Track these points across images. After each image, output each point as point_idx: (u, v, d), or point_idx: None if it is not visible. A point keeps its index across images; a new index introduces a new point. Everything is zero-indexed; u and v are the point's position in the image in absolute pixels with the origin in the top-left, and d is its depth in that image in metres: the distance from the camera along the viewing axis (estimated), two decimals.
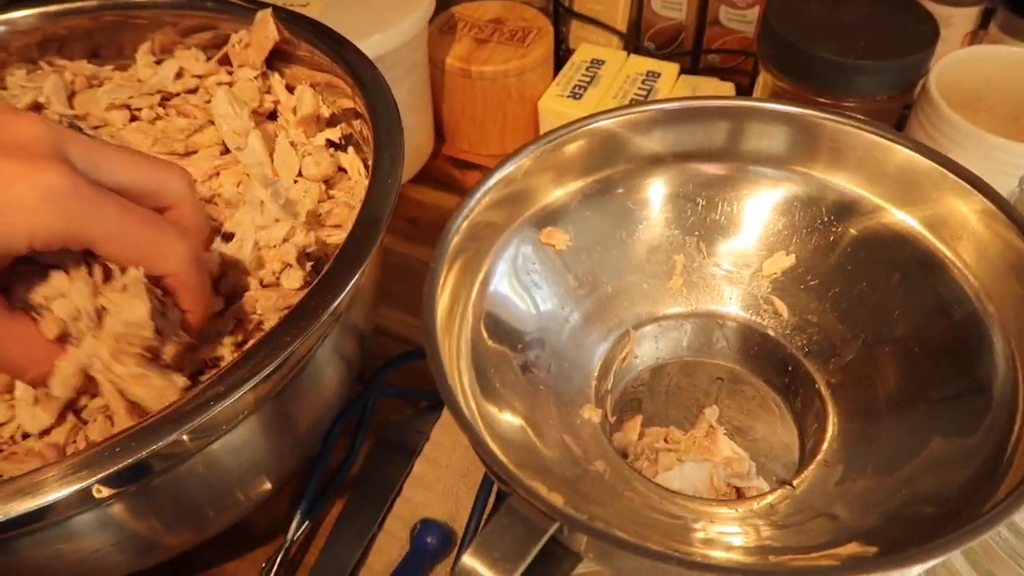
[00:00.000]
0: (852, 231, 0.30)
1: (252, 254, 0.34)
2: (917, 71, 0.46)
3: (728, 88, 0.59)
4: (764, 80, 0.50)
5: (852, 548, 0.23)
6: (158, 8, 0.45)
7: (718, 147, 0.32)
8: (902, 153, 0.29)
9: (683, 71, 0.60)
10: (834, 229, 0.31)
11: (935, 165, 0.28)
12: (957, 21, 0.53)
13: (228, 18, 0.44)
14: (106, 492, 0.27)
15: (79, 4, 0.44)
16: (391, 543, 0.39)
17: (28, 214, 0.24)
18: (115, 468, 0.25)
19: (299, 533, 0.39)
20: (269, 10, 0.41)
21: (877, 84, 0.46)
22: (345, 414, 0.43)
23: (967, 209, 0.27)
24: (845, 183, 0.31)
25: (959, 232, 0.27)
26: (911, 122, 0.48)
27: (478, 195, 0.30)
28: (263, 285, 0.35)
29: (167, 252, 0.28)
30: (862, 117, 0.30)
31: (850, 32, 0.46)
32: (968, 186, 0.27)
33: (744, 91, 0.60)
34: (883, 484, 0.25)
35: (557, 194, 0.33)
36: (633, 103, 0.32)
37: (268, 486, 0.35)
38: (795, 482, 0.27)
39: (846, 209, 0.31)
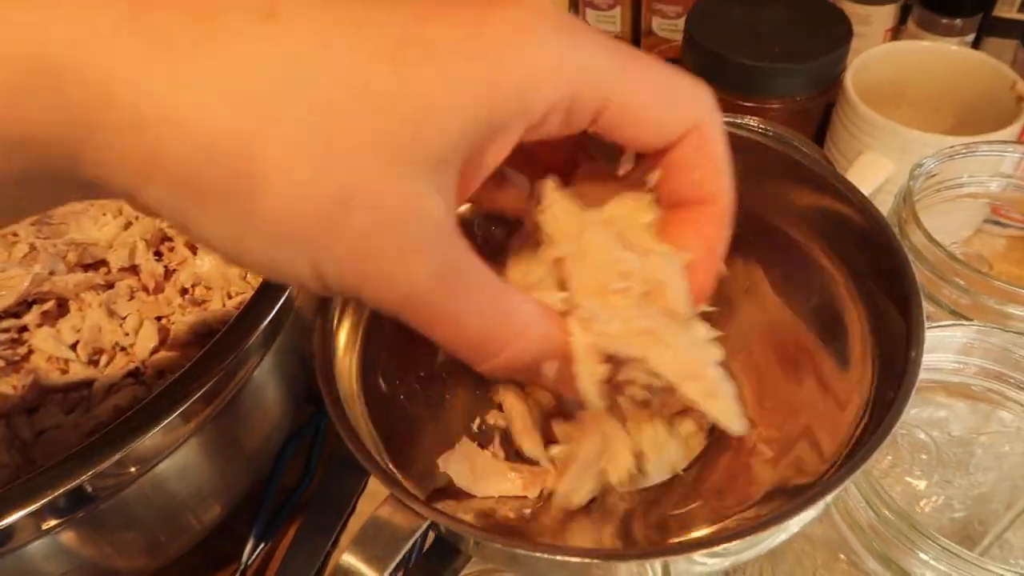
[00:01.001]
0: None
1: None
2: (834, 69, 0.48)
3: None
4: None
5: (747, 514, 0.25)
6: None
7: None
8: (764, 148, 0.30)
9: None
10: None
11: (789, 156, 0.29)
12: (876, 19, 0.55)
13: None
14: (52, 521, 0.28)
15: None
16: None
17: (540, 56, 0.17)
18: (54, 495, 0.26)
19: (255, 556, 0.40)
20: None
21: (796, 85, 0.48)
22: (297, 435, 0.44)
23: (819, 199, 0.28)
24: None
25: (817, 220, 0.28)
26: (832, 120, 0.49)
27: None
28: None
29: (693, 91, 0.20)
30: (730, 118, 0.31)
31: (767, 37, 0.48)
32: (809, 168, 0.28)
33: None
34: (772, 436, 0.27)
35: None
36: None
37: (219, 509, 0.36)
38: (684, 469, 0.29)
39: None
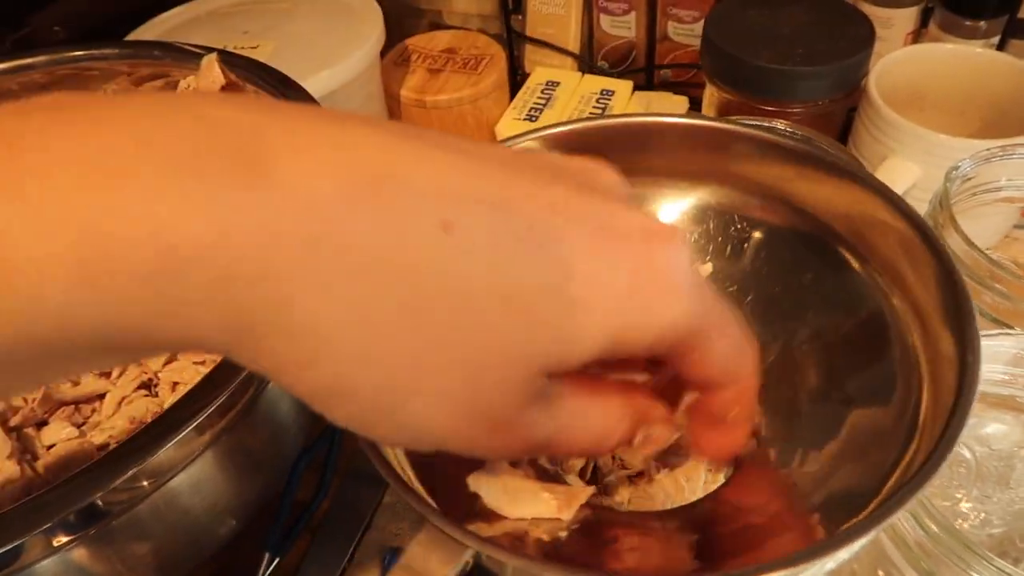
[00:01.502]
0: (762, 235, 0.31)
1: None
2: (856, 73, 0.47)
3: (682, 102, 0.60)
4: (710, 93, 0.51)
5: (791, 537, 0.24)
6: (109, 60, 0.45)
7: (628, 164, 0.32)
8: (799, 155, 0.29)
9: (637, 88, 0.61)
10: (747, 235, 0.31)
11: (830, 165, 0.28)
12: (897, 22, 0.54)
13: (177, 65, 0.44)
14: (64, 538, 0.27)
15: (31, 60, 0.45)
16: (362, 575, 0.39)
17: (672, 296, 0.18)
18: (66, 513, 0.26)
19: (269, 570, 0.39)
20: (214, 55, 0.42)
21: (818, 89, 0.47)
22: (312, 448, 0.43)
23: (862, 206, 0.27)
24: (754, 189, 0.31)
25: (858, 227, 0.28)
26: (855, 123, 0.48)
27: None
28: None
29: (752, 357, 0.22)
30: (757, 121, 0.31)
31: (788, 40, 0.47)
32: (859, 182, 0.28)
33: (698, 104, 0.61)
34: (811, 476, 0.26)
35: None
36: (550, 125, 0.32)
37: (232, 524, 0.35)
38: (725, 488, 0.28)
39: (756, 215, 0.31)
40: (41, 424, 0.32)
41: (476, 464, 0.27)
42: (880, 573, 0.29)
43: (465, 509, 0.26)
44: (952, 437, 0.19)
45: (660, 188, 0.33)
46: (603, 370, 0.23)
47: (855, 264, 0.27)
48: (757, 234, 0.31)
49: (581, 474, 0.29)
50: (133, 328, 0.15)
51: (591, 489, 0.26)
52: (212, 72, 0.42)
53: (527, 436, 0.19)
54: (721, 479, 0.29)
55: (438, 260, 0.16)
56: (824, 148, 0.29)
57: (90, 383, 0.33)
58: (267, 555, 0.39)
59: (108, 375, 0.34)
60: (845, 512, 0.22)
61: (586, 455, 0.23)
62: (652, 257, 0.18)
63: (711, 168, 0.31)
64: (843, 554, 0.19)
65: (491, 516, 0.26)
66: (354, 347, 0.16)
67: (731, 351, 0.21)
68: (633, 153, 0.32)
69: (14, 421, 0.32)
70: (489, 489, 0.26)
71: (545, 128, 0.32)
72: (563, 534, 0.25)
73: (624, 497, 0.29)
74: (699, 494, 0.27)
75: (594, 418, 0.21)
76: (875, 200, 0.26)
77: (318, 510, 0.42)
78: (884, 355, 0.25)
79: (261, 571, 0.39)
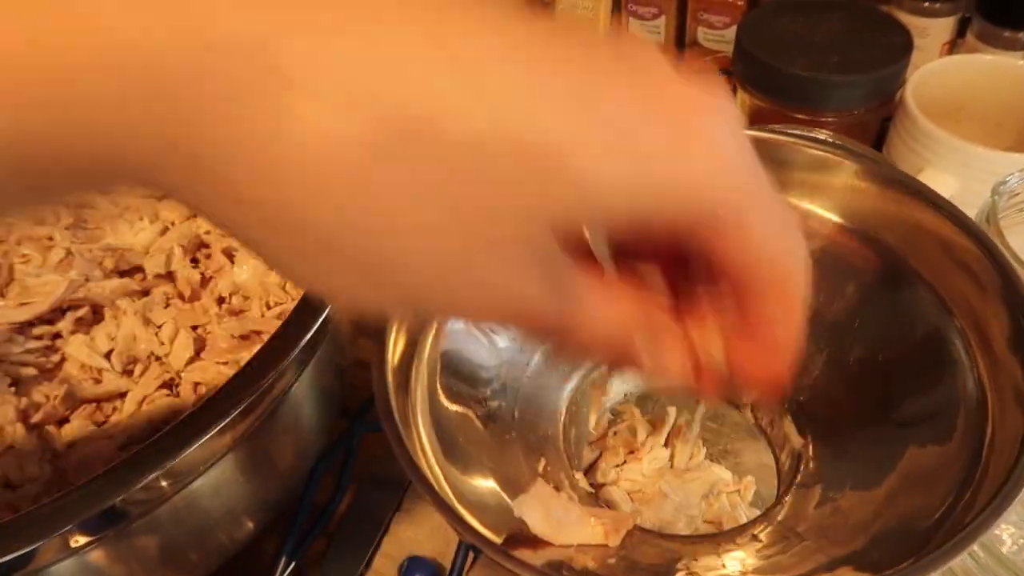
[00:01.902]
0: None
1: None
2: (892, 83, 0.46)
3: None
4: (741, 100, 0.50)
5: (840, 573, 0.23)
6: None
7: None
8: (845, 166, 0.28)
9: None
10: None
11: (878, 176, 0.27)
12: (933, 32, 0.53)
13: None
14: (82, 539, 0.27)
15: None
16: None
17: (714, 158, 0.16)
18: (87, 516, 0.25)
19: (286, 573, 0.39)
20: None
21: (852, 98, 0.46)
22: (331, 451, 0.43)
23: (918, 219, 0.26)
24: (793, 199, 0.30)
25: (914, 243, 0.27)
26: (890, 134, 0.47)
27: None
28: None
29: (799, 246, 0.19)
30: (801, 131, 0.30)
31: (823, 48, 0.46)
32: (914, 195, 0.27)
33: None
34: (863, 501, 0.25)
35: None
36: None
37: (250, 527, 0.35)
38: (776, 509, 0.27)
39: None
40: (62, 422, 0.32)
41: (519, 488, 0.26)
42: None
43: (507, 535, 0.25)
44: (1020, 478, 0.18)
45: None
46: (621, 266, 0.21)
47: (911, 281, 0.26)
48: None
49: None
50: (39, 139, 0.13)
51: (637, 514, 0.26)
52: None
53: (524, 304, 0.17)
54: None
55: (419, 104, 0.14)
56: (874, 158, 0.28)
57: (112, 381, 0.33)
58: (284, 558, 0.39)
59: (130, 373, 0.33)
60: (901, 548, 0.21)
61: (589, 356, 0.20)
62: (698, 119, 0.16)
63: None
64: None
65: (536, 543, 0.25)
66: (312, 180, 0.14)
67: (777, 236, 0.18)
68: None
69: (35, 418, 0.31)
70: (534, 514, 0.25)
71: None
72: (612, 561, 0.24)
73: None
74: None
75: (605, 310, 0.19)
76: (935, 216, 0.26)
77: (335, 514, 0.41)
78: (943, 379, 0.24)
79: (277, 574, 0.38)
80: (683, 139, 0.16)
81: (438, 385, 0.29)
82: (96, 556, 0.28)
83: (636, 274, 0.21)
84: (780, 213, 0.18)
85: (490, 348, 0.31)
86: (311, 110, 0.14)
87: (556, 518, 0.25)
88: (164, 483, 0.28)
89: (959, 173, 0.43)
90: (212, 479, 0.30)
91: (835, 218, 0.29)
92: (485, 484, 0.27)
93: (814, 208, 0.30)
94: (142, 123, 0.13)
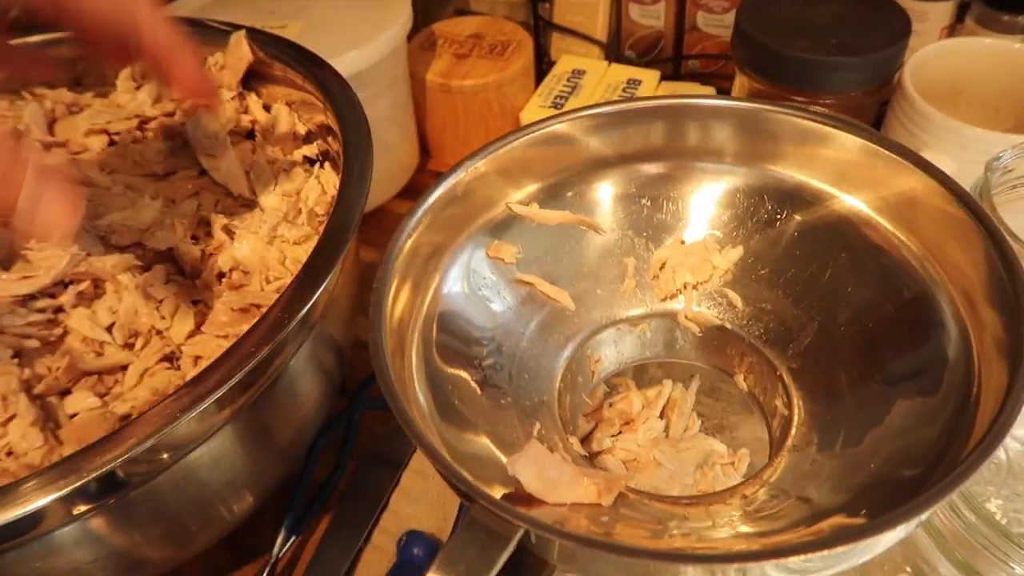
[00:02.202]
0: (796, 217, 0.31)
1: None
2: (890, 66, 0.46)
3: (709, 92, 0.59)
4: (740, 82, 0.50)
5: (830, 522, 0.23)
6: None
7: (658, 146, 0.32)
8: (836, 136, 0.29)
9: (664, 78, 0.60)
10: (779, 217, 0.31)
11: (869, 144, 0.28)
12: (933, 16, 0.53)
13: (205, 42, 0.44)
14: (83, 506, 0.27)
15: (60, 34, 0.45)
16: (378, 556, 0.39)
17: None
18: (86, 479, 0.26)
19: (285, 549, 0.39)
20: (243, 32, 0.42)
21: (851, 80, 0.46)
22: (330, 428, 0.43)
23: (906, 186, 0.27)
24: (785, 170, 0.31)
25: (902, 209, 0.27)
26: (888, 117, 0.48)
27: (423, 207, 0.30)
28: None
29: None
30: (795, 105, 0.30)
31: (821, 30, 0.46)
32: (904, 161, 0.27)
33: (725, 94, 0.61)
34: (854, 457, 0.25)
35: (514, 198, 0.33)
36: (578, 109, 0.32)
37: (250, 500, 0.35)
38: (767, 471, 0.27)
39: (789, 196, 0.31)
40: (64, 393, 0.32)
41: (514, 449, 0.27)
42: (907, 569, 0.28)
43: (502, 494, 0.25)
44: (1005, 424, 0.18)
45: (690, 171, 0.32)
46: None
47: (897, 244, 0.27)
48: (789, 215, 0.30)
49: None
50: None
51: (633, 475, 0.26)
52: (240, 49, 0.42)
53: None
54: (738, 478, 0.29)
55: None
56: (864, 129, 0.28)
57: (113, 354, 0.33)
58: (283, 533, 0.39)
59: (131, 347, 0.34)
60: (890, 498, 0.22)
61: None
62: None
63: (741, 150, 0.30)
64: (885, 540, 0.18)
65: (530, 501, 0.25)
66: None
67: (169, 28, 0.25)
68: (664, 135, 0.31)
69: (38, 389, 0.32)
70: (528, 473, 0.25)
71: (580, 111, 0.32)
72: (604, 519, 0.25)
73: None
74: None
75: None
76: (924, 181, 0.26)
77: (334, 490, 0.42)
78: (930, 338, 0.25)
79: (277, 549, 0.39)
80: None
81: (434, 347, 0.29)
82: (97, 524, 0.29)
83: None
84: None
85: (486, 312, 0.31)
86: None
87: (550, 477, 0.25)
88: (162, 452, 0.28)
89: (956, 155, 0.43)
90: (211, 451, 0.30)
91: (827, 188, 0.29)
92: (480, 443, 0.27)
93: (807, 179, 0.30)
94: None
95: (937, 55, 0.48)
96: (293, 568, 0.40)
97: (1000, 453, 0.29)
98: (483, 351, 0.31)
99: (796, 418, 0.28)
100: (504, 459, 0.27)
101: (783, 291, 0.30)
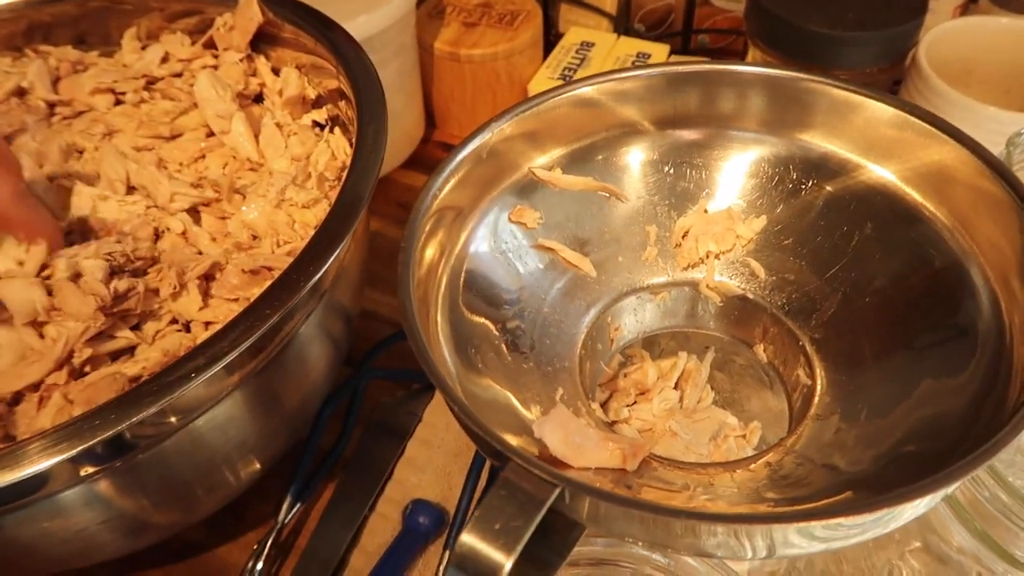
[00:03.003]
0: (823, 187, 0.30)
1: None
2: (906, 42, 0.46)
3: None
4: (753, 56, 0.50)
5: (856, 491, 0.23)
6: None
7: (686, 113, 0.31)
8: (868, 106, 0.28)
9: (673, 52, 0.59)
10: (804, 186, 0.31)
11: (901, 114, 0.27)
12: None
13: (214, 2, 0.44)
14: (90, 468, 0.27)
15: None
16: (383, 524, 0.39)
17: None
18: (93, 442, 0.25)
19: (290, 516, 0.39)
20: None
21: (865, 56, 0.45)
22: (335, 396, 0.43)
23: (937, 156, 0.27)
24: (813, 140, 0.31)
25: (932, 179, 0.27)
26: (902, 95, 0.47)
27: (451, 165, 0.29)
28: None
29: None
30: (827, 74, 0.30)
31: (838, 4, 0.46)
32: (937, 131, 0.27)
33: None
34: (878, 428, 0.25)
35: (538, 162, 0.32)
36: (611, 71, 0.32)
37: (257, 466, 0.35)
38: (791, 439, 0.27)
39: (815, 166, 0.31)
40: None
41: (538, 407, 0.27)
42: (916, 543, 0.28)
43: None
44: None
45: (716, 139, 0.32)
46: None
47: (928, 215, 0.27)
48: (816, 185, 0.30)
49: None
50: None
51: (654, 441, 0.26)
52: (251, 9, 0.41)
53: None
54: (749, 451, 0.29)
55: None
56: (896, 98, 0.28)
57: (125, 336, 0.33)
58: (289, 499, 0.39)
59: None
60: (916, 469, 0.22)
61: None
62: None
63: (769, 118, 0.30)
64: (910, 510, 0.18)
65: (555, 464, 0.25)
66: None
67: None
68: (695, 102, 0.31)
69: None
70: (554, 436, 0.25)
71: (609, 74, 0.31)
72: (630, 484, 0.25)
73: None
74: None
75: None
76: (953, 148, 0.26)
77: (340, 458, 0.42)
78: (960, 309, 0.25)
79: (282, 515, 0.39)
80: None
81: (460, 307, 0.29)
82: (104, 487, 0.29)
83: None
84: None
85: (513, 273, 0.31)
86: None
87: (575, 441, 0.25)
88: (170, 416, 0.28)
89: (970, 133, 0.43)
90: (219, 415, 0.30)
91: (855, 157, 0.29)
92: (504, 405, 0.27)
93: (835, 148, 0.30)
94: None
95: (951, 33, 0.48)
96: (298, 535, 0.40)
97: None
98: (507, 313, 0.30)
99: (819, 388, 0.28)
100: (529, 419, 0.26)
101: (807, 261, 0.30)
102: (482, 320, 0.30)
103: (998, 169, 0.24)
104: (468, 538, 0.19)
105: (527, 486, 0.19)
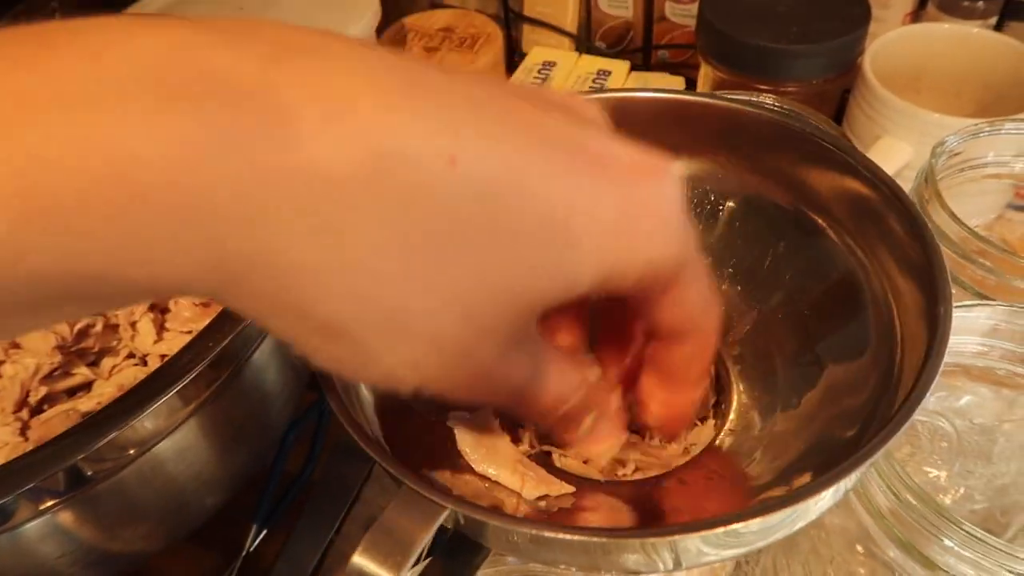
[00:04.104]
0: (736, 206, 0.31)
1: None
2: (851, 53, 0.47)
3: (678, 82, 0.60)
4: (705, 72, 0.51)
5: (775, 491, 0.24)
6: None
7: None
8: (765, 120, 0.29)
9: (634, 68, 0.61)
10: (720, 206, 0.31)
11: (792, 128, 0.28)
12: (895, 3, 0.54)
13: None
14: (48, 502, 0.27)
15: None
16: (350, 548, 0.39)
17: (660, 233, 0.18)
18: (46, 476, 0.26)
19: (257, 542, 0.40)
20: None
21: (812, 68, 0.46)
22: (300, 421, 0.44)
23: (830, 168, 0.27)
24: (725, 161, 0.31)
25: (828, 192, 0.28)
26: (849, 104, 0.48)
27: None
28: None
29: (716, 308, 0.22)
30: (742, 95, 0.30)
31: (783, 19, 0.47)
32: (825, 144, 0.28)
33: (694, 84, 0.61)
34: (791, 421, 0.26)
35: None
36: None
37: (220, 494, 0.36)
38: (713, 444, 0.28)
39: (729, 185, 0.31)
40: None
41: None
42: (859, 548, 0.29)
43: (429, 453, 0.26)
44: (921, 393, 0.19)
45: None
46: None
47: (827, 230, 0.28)
48: (731, 205, 0.31)
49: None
50: (94, 274, 0.14)
51: (570, 488, 0.26)
52: None
53: (505, 382, 0.19)
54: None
55: (441, 195, 0.15)
56: (808, 121, 0.29)
57: (82, 373, 0.34)
58: (255, 527, 0.40)
59: (96, 365, 0.34)
60: (826, 458, 0.22)
61: (537, 418, 0.22)
62: (642, 192, 0.18)
63: (682, 140, 0.30)
64: (809, 508, 0.19)
65: (457, 467, 0.26)
66: (346, 290, 0.15)
67: (702, 298, 0.20)
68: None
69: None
70: (467, 432, 0.26)
71: None
72: (523, 508, 0.25)
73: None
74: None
75: (556, 373, 0.21)
76: (843, 161, 0.26)
77: (307, 481, 0.42)
78: (858, 315, 0.25)
79: (248, 542, 0.39)
80: (634, 211, 0.18)
81: None
82: (65, 519, 0.29)
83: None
84: (707, 275, 0.21)
85: None
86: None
87: (486, 446, 0.26)
88: (127, 446, 0.28)
89: (915, 140, 0.44)
90: (176, 444, 0.31)
91: (755, 175, 0.30)
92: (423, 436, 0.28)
93: (730, 171, 0.30)
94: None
95: (897, 41, 0.49)
96: (265, 561, 0.40)
97: (950, 431, 0.30)
98: None
99: (739, 395, 0.29)
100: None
101: (727, 280, 0.31)
102: None
103: (885, 183, 0.25)
104: (359, 559, 0.20)
105: (418, 507, 0.20)
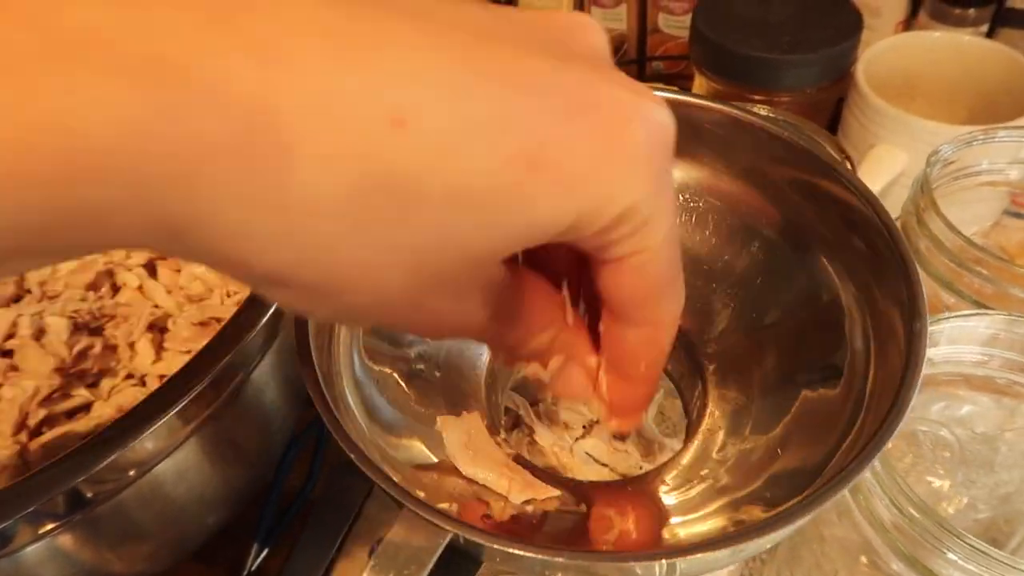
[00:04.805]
0: (714, 205, 0.31)
1: None
2: (843, 61, 0.47)
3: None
4: (699, 82, 0.51)
5: (741, 514, 0.24)
6: None
7: None
8: (751, 124, 0.29)
9: None
10: (697, 205, 0.31)
11: (773, 134, 0.28)
12: (886, 11, 0.54)
13: None
14: (49, 524, 0.27)
15: None
16: (351, 566, 0.39)
17: (635, 176, 0.17)
18: (46, 499, 0.26)
19: (259, 560, 0.39)
20: None
21: (805, 77, 0.47)
22: (300, 438, 0.43)
23: (807, 178, 0.27)
24: (705, 161, 0.31)
25: (804, 201, 0.28)
26: (844, 112, 0.48)
27: None
28: None
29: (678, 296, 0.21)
30: (736, 104, 0.31)
31: (776, 29, 0.47)
32: (813, 160, 0.28)
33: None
34: (761, 445, 0.26)
35: None
36: None
37: (221, 513, 0.36)
38: (681, 454, 0.28)
39: (705, 186, 0.31)
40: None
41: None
42: (863, 559, 0.29)
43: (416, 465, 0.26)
44: (901, 409, 0.19)
45: None
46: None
47: (810, 244, 0.28)
48: (706, 205, 0.31)
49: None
50: (48, 235, 0.14)
51: (556, 492, 0.26)
52: None
53: (464, 325, 0.19)
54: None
55: (386, 160, 0.15)
56: (801, 130, 0.29)
57: (80, 394, 0.33)
58: (256, 545, 0.39)
59: (96, 386, 0.34)
60: (793, 487, 0.22)
61: (506, 353, 0.22)
62: (623, 131, 0.17)
63: (681, 142, 0.31)
64: (782, 533, 0.19)
65: (444, 471, 0.26)
66: (285, 248, 0.15)
67: (665, 279, 0.19)
68: None
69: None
70: (455, 435, 0.26)
71: None
72: (509, 513, 0.25)
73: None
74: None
75: (525, 312, 0.20)
76: (822, 171, 0.27)
77: (308, 499, 0.42)
78: (835, 335, 0.26)
79: (250, 561, 0.39)
80: (614, 159, 0.17)
81: (361, 345, 0.29)
82: (65, 541, 0.29)
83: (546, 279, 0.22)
84: (674, 249, 0.19)
85: None
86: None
87: (474, 448, 0.26)
88: (127, 467, 0.28)
89: (909, 147, 0.44)
90: (177, 464, 0.30)
91: (742, 179, 0.30)
92: (411, 445, 0.28)
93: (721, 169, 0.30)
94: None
95: (890, 50, 0.49)
96: None
97: (952, 440, 0.30)
98: (411, 348, 0.31)
99: (710, 403, 0.29)
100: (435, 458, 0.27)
101: (701, 278, 0.31)
102: (386, 357, 0.30)
103: (869, 200, 0.25)
104: None
105: (422, 530, 0.20)
